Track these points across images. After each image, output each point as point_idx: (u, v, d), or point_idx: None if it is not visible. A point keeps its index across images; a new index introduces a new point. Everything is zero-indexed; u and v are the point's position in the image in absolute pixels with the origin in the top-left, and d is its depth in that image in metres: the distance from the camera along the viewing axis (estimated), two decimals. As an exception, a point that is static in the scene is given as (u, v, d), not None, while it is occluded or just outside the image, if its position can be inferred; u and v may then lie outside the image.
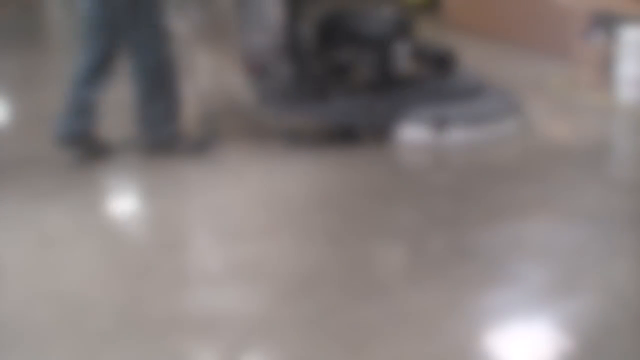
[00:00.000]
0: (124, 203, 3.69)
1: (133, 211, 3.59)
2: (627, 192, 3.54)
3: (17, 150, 4.25)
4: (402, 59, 4.06)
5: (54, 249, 3.07)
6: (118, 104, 4.12)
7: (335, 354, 2.37)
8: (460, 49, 4.58)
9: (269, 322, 2.54)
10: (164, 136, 3.95)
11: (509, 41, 5.97)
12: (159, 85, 3.88)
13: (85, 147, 3.93)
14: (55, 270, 2.91)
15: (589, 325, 2.51)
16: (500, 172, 3.79)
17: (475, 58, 5.08)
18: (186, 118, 4.10)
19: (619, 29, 4.83)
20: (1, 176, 3.84)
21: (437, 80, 4.22)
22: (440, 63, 4.23)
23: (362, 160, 3.91)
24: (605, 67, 5.03)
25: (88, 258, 3.01)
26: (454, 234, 3.14)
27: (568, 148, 4.18)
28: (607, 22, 5.11)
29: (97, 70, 3.86)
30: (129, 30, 3.78)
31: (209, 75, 6.20)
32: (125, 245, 3.13)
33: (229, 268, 2.90)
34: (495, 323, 2.53)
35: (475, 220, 3.26)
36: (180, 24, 4.11)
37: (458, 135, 3.94)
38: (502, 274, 2.83)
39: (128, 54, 3.86)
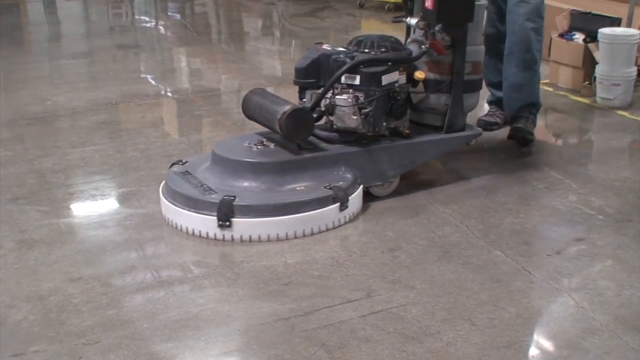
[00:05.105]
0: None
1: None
2: (606, 192, 3.57)
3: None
4: None
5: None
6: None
7: (311, 355, 2.37)
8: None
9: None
10: None
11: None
12: None
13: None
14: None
15: (569, 326, 2.52)
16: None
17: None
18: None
19: (598, 29, 4.86)
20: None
21: None
22: None
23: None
24: (584, 67, 5.06)
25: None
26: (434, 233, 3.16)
27: (547, 148, 4.22)
28: (586, 23, 5.15)
29: None
30: None
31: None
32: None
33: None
34: (477, 324, 2.53)
35: (456, 220, 3.29)
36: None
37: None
38: (483, 273, 2.85)
39: None
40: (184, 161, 3.52)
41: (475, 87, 3.74)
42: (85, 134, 4.49)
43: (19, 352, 2.40)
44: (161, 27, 8.39)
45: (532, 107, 4.19)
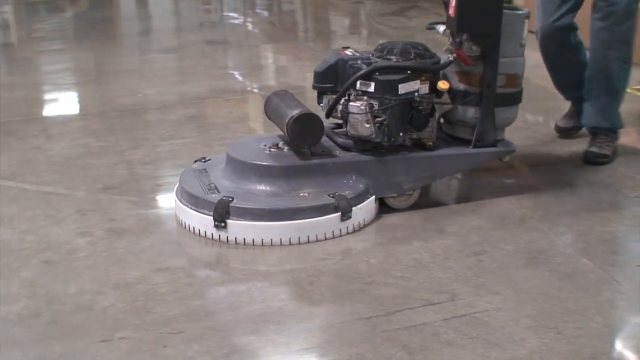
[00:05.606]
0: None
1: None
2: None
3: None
4: None
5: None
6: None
7: (392, 356, 2.36)
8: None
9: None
10: None
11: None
12: None
13: None
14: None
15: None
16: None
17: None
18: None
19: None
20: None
21: None
22: None
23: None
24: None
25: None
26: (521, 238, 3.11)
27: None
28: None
29: None
30: None
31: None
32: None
33: (292, 265, 2.90)
34: (562, 332, 2.48)
35: (544, 226, 3.22)
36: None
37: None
38: (570, 281, 2.79)
39: None
40: (207, 158, 3.52)
41: (510, 100, 3.48)
42: (174, 127, 4.59)
43: (105, 337, 2.47)
44: (249, 24, 8.50)
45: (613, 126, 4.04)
